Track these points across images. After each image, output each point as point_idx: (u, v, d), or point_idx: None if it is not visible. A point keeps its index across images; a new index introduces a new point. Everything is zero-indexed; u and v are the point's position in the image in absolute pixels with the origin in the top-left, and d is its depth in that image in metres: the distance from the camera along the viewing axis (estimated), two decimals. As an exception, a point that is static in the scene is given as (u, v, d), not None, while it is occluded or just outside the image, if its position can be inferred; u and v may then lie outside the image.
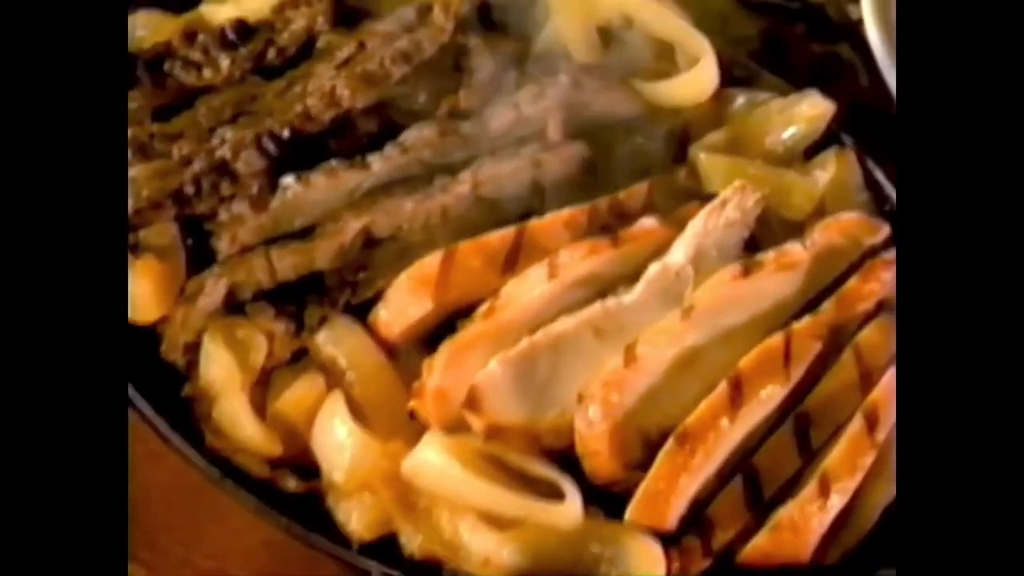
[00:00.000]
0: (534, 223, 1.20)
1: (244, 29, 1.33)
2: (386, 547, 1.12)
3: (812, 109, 1.32)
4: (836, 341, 1.17)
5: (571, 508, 1.09)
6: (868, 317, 1.19)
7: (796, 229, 1.25)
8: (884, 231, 1.23)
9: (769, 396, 1.12)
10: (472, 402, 1.11)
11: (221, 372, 1.16)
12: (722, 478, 1.12)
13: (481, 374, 1.12)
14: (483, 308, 1.16)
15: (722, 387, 1.11)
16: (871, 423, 1.12)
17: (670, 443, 1.09)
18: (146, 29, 1.35)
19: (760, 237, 1.24)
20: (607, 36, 1.37)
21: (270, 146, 1.24)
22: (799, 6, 1.59)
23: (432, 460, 1.11)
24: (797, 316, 1.17)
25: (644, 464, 1.10)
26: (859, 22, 1.46)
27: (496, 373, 1.12)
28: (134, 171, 1.21)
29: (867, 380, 1.15)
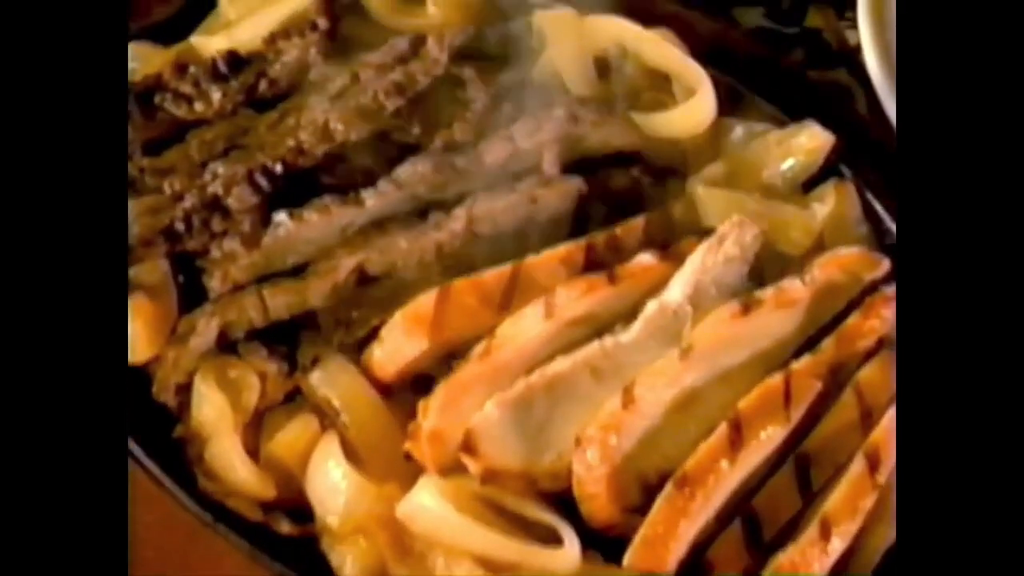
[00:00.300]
0: (530, 260, 1.18)
1: (235, 61, 1.32)
2: (381, 592, 1.11)
3: (811, 141, 1.30)
4: (836, 380, 1.15)
5: (569, 553, 1.08)
6: (869, 354, 1.17)
7: (795, 263, 1.24)
8: (884, 266, 1.22)
9: (769, 437, 1.10)
10: (469, 446, 1.09)
11: (213, 413, 1.15)
12: (721, 520, 1.11)
13: (477, 417, 1.10)
14: (479, 348, 1.14)
15: (721, 429, 1.09)
16: (872, 464, 1.10)
17: (669, 487, 1.07)
18: (136, 61, 1.33)
19: (762, 270, 1.22)
20: (603, 66, 1.35)
21: (262, 181, 1.22)
22: (796, 31, 1.57)
23: (428, 504, 1.10)
24: (797, 354, 1.16)
25: (642, 508, 1.08)
26: (857, 48, 1.45)
27: (493, 416, 1.10)
28: (125, 207, 1.20)
29: (868, 420, 1.13)
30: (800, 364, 1.14)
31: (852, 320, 1.18)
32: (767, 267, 1.23)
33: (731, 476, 1.09)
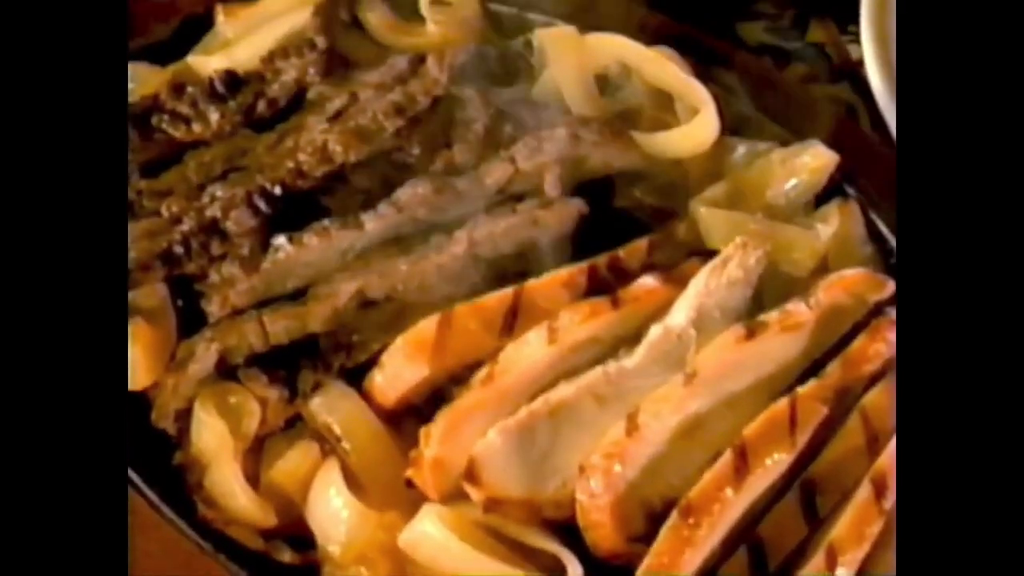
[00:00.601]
0: (532, 284, 1.17)
1: (233, 81, 1.31)
2: (384, 622, 1.10)
3: (815, 160, 1.29)
4: (842, 404, 1.14)
5: (573, 582, 1.07)
6: (874, 378, 1.16)
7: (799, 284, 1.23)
8: (890, 287, 1.20)
9: (775, 464, 1.09)
10: (471, 474, 1.08)
11: (213, 440, 1.14)
12: (727, 548, 1.09)
13: (480, 445, 1.09)
14: (481, 374, 1.13)
15: (727, 456, 1.08)
16: (879, 490, 1.09)
17: (674, 516, 1.06)
18: (133, 82, 1.32)
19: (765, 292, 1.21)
20: (605, 85, 1.34)
21: (261, 204, 1.21)
22: (798, 47, 1.56)
23: (430, 532, 1.08)
24: (802, 378, 1.15)
25: (647, 536, 1.07)
26: (860, 63, 1.44)
27: (495, 444, 1.09)
28: (123, 230, 1.19)
29: (874, 445, 1.12)
30: (806, 389, 1.13)
31: (858, 343, 1.17)
32: (771, 288, 1.22)
33: (736, 504, 1.07)
